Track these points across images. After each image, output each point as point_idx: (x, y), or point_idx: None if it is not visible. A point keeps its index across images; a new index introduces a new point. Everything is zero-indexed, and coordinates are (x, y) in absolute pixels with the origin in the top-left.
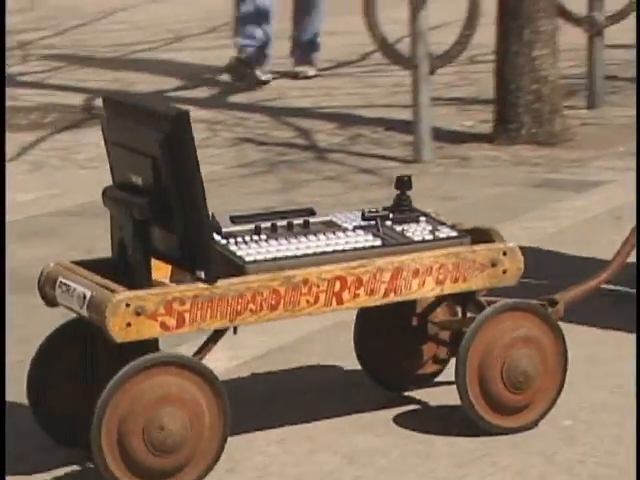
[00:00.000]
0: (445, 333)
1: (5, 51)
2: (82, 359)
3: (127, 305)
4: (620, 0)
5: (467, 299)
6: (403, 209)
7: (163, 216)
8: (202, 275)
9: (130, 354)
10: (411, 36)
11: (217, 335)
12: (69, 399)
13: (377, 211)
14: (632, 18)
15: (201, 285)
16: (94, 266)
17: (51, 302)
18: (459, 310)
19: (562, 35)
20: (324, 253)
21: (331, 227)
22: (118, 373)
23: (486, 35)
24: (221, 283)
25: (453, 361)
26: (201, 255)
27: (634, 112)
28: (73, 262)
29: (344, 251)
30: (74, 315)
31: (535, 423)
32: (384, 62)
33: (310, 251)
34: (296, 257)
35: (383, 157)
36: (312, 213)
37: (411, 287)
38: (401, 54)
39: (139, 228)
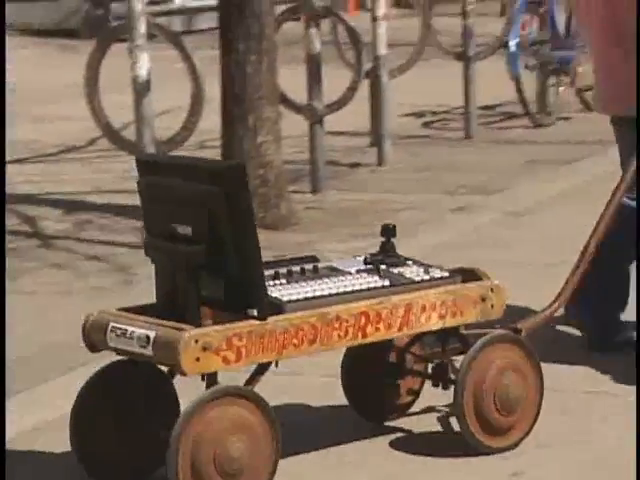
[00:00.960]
0: (420, 366)
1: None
2: (120, 403)
3: (196, 341)
4: (338, 90)
5: (449, 333)
6: (390, 254)
7: (215, 262)
8: (254, 313)
9: (165, 395)
10: (136, 121)
11: (262, 368)
12: (111, 442)
13: (375, 256)
14: (350, 106)
15: (254, 322)
16: (140, 312)
17: (95, 347)
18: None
19: (285, 122)
20: (346, 293)
21: (336, 272)
22: (188, 406)
23: (215, 120)
24: (269, 320)
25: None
26: (254, 295)
27: (354, 196)
28: (119, 309)
29: (363, 290)
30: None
31: (517, 443)
32: (114, 147)
33: (334, 291)
34: (323, 297)
35: (112, 243)
36: (316, 260)
37: (420, 321)
38: (126, 139)
39: (192, 274)
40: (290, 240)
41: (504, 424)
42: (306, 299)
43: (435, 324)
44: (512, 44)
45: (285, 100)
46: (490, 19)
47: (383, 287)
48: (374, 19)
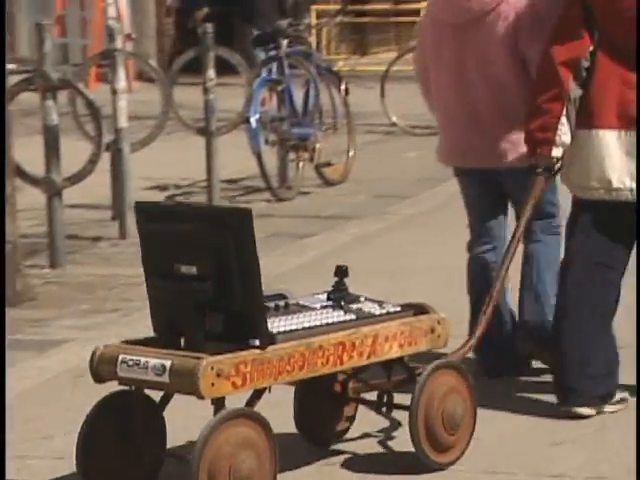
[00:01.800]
0: (364, 395)
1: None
2: (122, 428)
3: (212, 368)
4: (78, 162)
5: (393, 363)
6: (344, 292)
7: (219, 298)
8: (256, 343)
9: (157, 419)
10: None
11: (259, 392)
12: (114, 461)
13: (332, 294)
14: (91, 179)
15: (256, 351)
16: (146, 344)
17: (102, 378)
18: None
19: (24, 195)
20: (322, 325)
21: (305, 307)
22: (204, 427)
23: None
24: (268, 349)
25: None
26: (256, 326)
27: (95, 271)
28: (123, 342)
29: (336, 323)
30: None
31: (458, 458)
32: None
33: (313, 324)
34: (305, 329)
35: None
36: (285, 297)
37: (384, 350)
38: None
39: (199, 309)
40: (25, 317)
41: (450, 442)
42: (291, 331)
43: (395, 352)
44: (253, 120)
45: (21, 173)
46: (233, 94)
47: (351, 320)
48: (114, 92)
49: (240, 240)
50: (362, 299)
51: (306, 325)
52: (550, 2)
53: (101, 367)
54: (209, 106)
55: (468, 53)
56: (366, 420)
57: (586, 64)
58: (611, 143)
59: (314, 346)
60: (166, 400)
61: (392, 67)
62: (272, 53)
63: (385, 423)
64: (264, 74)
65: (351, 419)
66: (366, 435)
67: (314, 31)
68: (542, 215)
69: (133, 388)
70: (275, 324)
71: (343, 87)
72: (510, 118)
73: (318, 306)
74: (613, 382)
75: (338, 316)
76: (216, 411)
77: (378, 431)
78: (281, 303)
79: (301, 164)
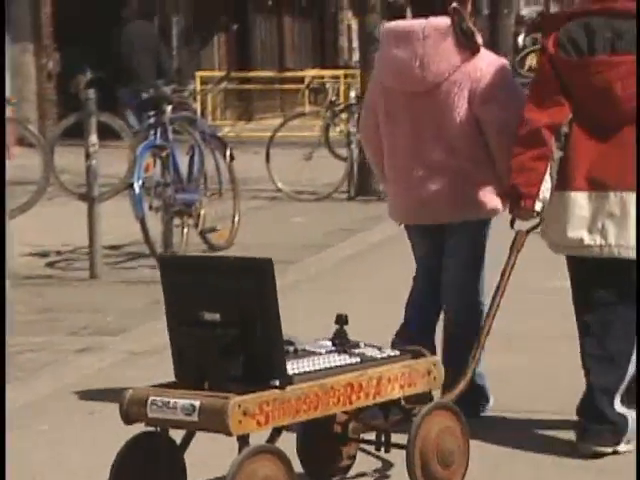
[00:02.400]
0: (363, 435)
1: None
2: (147, 467)
3: (239, 407)
4: None
5: (390, 404)
6: (345, 338)
7: (242, 342)
8: (277, 383)
9: (182, 460)
10: None
11: (278, 430)
12: None
13: (335, 340)
14: None
15: (277, 391)
16: (173, 387)
17: (131, 419)
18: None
19: None
20: (332, 368)
21: (312, 352)
22: (232, 464)
23: None
24: (287, 389)
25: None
26: (277, 368)
27: None
28: (152, 386)
29: (344, 366)
30: None
31: None
32: None
33: (323, 367)
34: (317, 371)
35: None
36: (292, 343)
37: (387, 391)
38: None
39: (223, 353)
40: None
41: (444, 476)
42: (306, 373)
43: (397, 393)
44: (136, 186)
45: None
46: (116, 159)
47: (357, 363)
48: None
49: (262, 288)
50: (362, 344)
51: (317, 367)
52: (501, 70)
53: (131, 409)
54: (91, 171)
55: (424, 118)
56: (362, 459)
57: (565, 130)
58: (582, 203)
59: (327, 387)
60: (188, 440)
61: (277, 133)
62: (154, 119)
63: (380, 462)
64: (148, 140)
65: (352, 457)
66: (363, 474)
67: (199, 97)
68: (470, 266)
69: (158, 429)
70: (290, 366)
71: (228, 153)
72: (463, 177)
73: (323, 351)
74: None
75: (344, 359)
76: (241, 447)
77: (375, 470)
78: (291, 348)
79: (186, 230)
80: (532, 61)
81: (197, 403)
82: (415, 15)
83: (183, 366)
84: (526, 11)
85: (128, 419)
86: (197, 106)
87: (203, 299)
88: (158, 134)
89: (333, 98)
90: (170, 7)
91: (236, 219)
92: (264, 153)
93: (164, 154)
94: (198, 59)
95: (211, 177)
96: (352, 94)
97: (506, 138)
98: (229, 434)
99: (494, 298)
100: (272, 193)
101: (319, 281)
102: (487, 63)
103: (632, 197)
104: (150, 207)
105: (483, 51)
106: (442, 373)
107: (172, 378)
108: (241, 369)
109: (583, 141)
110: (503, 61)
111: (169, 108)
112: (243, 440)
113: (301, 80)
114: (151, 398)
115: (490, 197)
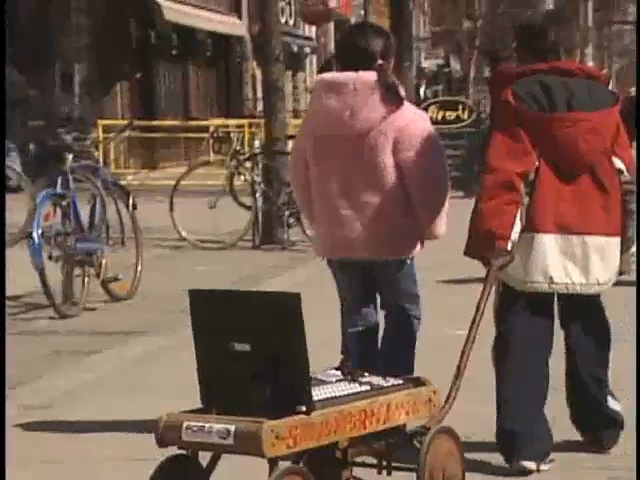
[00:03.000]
0: (366, 459)
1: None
2: None
3: (272, 431)
4: None
5: (392, 430)
6: (351, 367)
7: (270, 370)
8: (303, 409)
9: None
10: None
11: (302, 453)
12: None
13: (343, 369)
14: None
15: (303, 416)
16: (202, 412)
17: (165, 443)
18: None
19: None
20: (347, 395)
21: (323, 381)
22: None
23: None
24: (312, 414)
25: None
26: (303, 394)
27: None
28: (182, 412)
29: (357, 393)
30: None
31: None
32: None
33: (338, 394)
34: (335, 397)
35: None
36: None
37: (395, 416)
38: None
39: (254, 382)
40: None
41: None
42: (326, 399)
43: (403, 419)
44: (35, 235)
45: None
46: (16, 209)
47: (367, 391)
48: None
49: (290, 321)
50: (366, 374)
51: (334, 395)
52: (423, 121)
53: (166, 433)
54: None
55: (352, 163)
56: None
57: (532, 177)
58: (550, 245)
59: (344, 413)
60: (214, 463)
61: (182, 181)
62: (55, 168)
63: None
64: (48, 188)
65: None
66: None
67: (101, 145)
68: (402, 302)
69: (189, 452)
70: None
71: (131, 201)
72: (385, 219)
73: (334, 379)
74: (550, 443)
75: (355, 387)
76: (272, 468)
77: None
78: None
79: (87, 279)
80: (433, 113)
81: (232, 427)
82: (342, 69)
83: (212, 393)
84: (427, 63)
85: (162, 443)
86: (99, 154)
87: (234, 331)
88: (59, 183)
89: (238, 147)
90: (72, 54)
91: (139, 269)
92: (168, 201)
93: (65, 203)
94: (101, 107)
95: (113, 226)
96: (256, 143)
97: (427, 185)
98: (262, 456)
99: (470, 330)
100: (176, 242)
101: None
102: (410, 115)
103: (592, 240)
104: (50, 257)
105: (406, 104)
106: (441, 401)
107: (66, 431)
108: (269, 396)
109: (549, 188)
110: (424, 114)
111: (70, 157)
112: (274, 462)
113: (206, 129)
114: (186, 423)
115: (409, 239)
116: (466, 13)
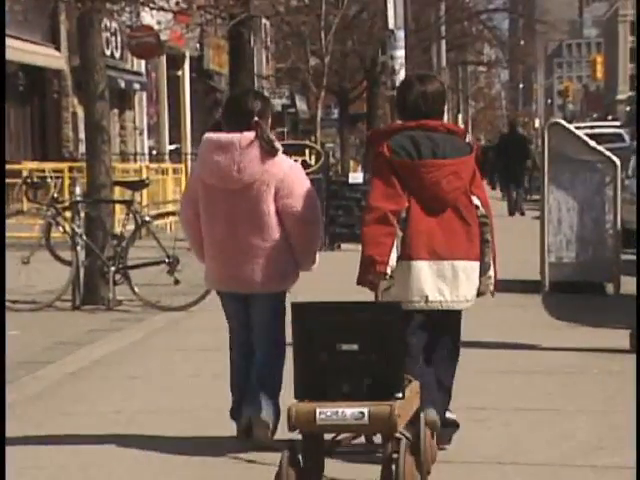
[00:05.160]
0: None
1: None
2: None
3: (397, 412)
4: None
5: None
6: None
7: (374, 364)
8: (400, 395)
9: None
10: None
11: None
12: None
13: None
14: None
15: (402, 400)
16: (323, 399)
17: (301, 428)
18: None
19: None
20: None
21: None
22: (400, 459)
23: None
24: (405, 399)
25: None
26: (400, 384)
27: None
28: (310, 401)
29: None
30: None
31: None
32: None
33: None
34: None
35: None
36: None
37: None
38: None
39: (361, 374)
40: None
41: None
42: None
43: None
44: None
45: None
46: None
47: None
48: None
49: (391, 325)
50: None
51: None
52: (298, 171)
53: (298, 420)
54: None
55: (239, 209)
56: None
57: (403, 214)
58: (424, 269)
59: (413, 392)
60: (336, 445)
61: None
62: None
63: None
64: None
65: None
66: None
67: None
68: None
69: (318, 437)
70: None
71: None
72: (267, 257)
73: None
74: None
75: None
76: (397, 443)
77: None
78: None
79: None
80: None
81: (365, 410)
82: (229, 130)
83: (317, 385)
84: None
85: (296, 428)
86: None
87: (341, 334)
88: None
89: (56, 194)
90: None
91: None
92: None
93: None
94: None
95: None
96: (77, 190)
97: (303, 225)
98: (392, 433)
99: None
100: None
101: (39, 402)
102: (288, 166)
103: (459, 264)
104: None
105: (281, 155)
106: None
107: None
108: (371, 386)
109: (419, 222)
110: (298, 164)
111: None
112: (397, 438)
113: (18, 174)
114: (319, 409)
115: (288, 274)
116: (311, 50)
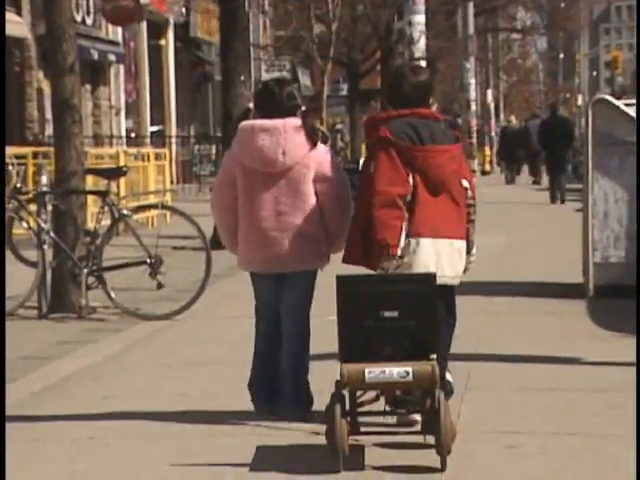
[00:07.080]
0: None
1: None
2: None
3: (435, 369)
4: None
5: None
6: None
7: (413, 330)
8: (434, 356)
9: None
10: None
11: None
12: None
13: None
14: None
15: (435, 361)
16: (367, 361)
17: (352, 387)
18: None
19: None
20: None
21: None
22: (441, 407)
23: None
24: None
25: None
26: (435, 345)
27: None
28: (357, 363)
29: None
30: None
31: None
32: None
33: None
34: None
35: None
36: None
37: None
38: None
39: (401, 336)
40: None
41: None
42: None
43: None
44: None
45: None
46: None
47: None
48: None
49: (427, 293)
50: None
51: None
52: (332, 157)
53: (350, 380)
54: None
55: (281, 191)
56: None
57: (409, 197)
58: (429, 247)
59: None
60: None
61: None
62: None
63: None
64: None
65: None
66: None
67: None
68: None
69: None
70: None
71: None
72: (308, 234)
73: None
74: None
75: None
76: (438, 396)
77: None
78: None
79: None
80: None
81: (410, 369)
82: (263, 117)
83: (361, 348)
84: (268, 77)
85: (346, 386)
86: None
87: (382, 302)
88: None
89: (18, 184)
90: None
91: None
92: None
93: None
94: None
95: None
96: (44, 179)
97: (338, 207)
98: (434, 388)
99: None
100: None
101: None
102: (325, 151)
103: (455, 242)
104: None
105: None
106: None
107: None
108: (410, 347)
109: (426, 204)
110: (330, 151)
111: None
112: (432, 393)
113: None
114: (367, 369)
115: (322, 253)
116: (316, 15)
